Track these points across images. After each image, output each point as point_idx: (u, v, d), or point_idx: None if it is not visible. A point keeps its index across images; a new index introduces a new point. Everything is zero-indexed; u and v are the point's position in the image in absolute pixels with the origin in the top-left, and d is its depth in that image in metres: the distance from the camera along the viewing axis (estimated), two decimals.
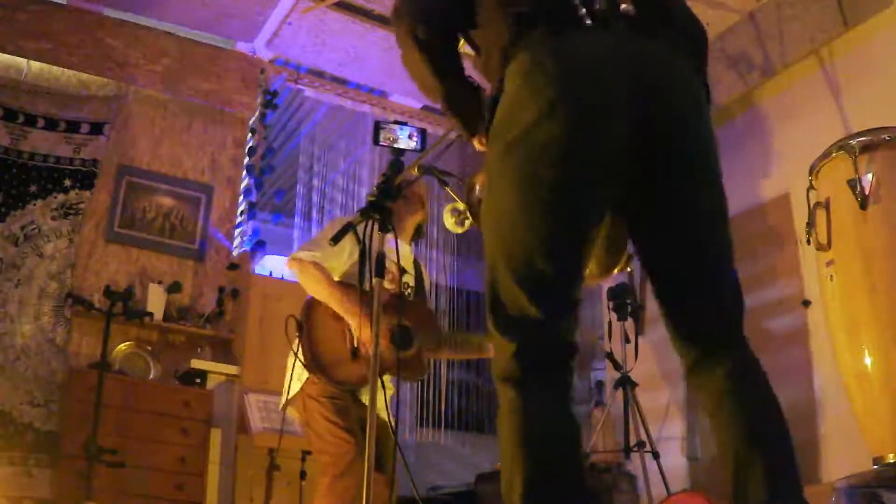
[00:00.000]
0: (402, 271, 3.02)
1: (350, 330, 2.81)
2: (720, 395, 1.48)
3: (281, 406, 2.97)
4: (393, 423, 2.87)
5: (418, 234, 3.24)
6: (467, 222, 2.21)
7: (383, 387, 2.58)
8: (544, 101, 1.45)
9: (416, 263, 3.16)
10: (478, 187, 1.99)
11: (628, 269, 1.94)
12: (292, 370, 2.83)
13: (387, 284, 2.83)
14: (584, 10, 1.51)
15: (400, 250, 3.00)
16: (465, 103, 1.69)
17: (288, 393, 2.89)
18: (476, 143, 1.75)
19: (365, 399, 2.78)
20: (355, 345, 2.77)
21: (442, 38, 1.68)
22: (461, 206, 2.22)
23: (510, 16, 1.55)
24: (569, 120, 1.44)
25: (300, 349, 2.78)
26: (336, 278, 2.90)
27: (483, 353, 3.08)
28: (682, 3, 1.71)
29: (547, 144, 1.44)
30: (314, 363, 2.76)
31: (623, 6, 1.53)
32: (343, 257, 2.91)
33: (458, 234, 6.37)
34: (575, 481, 1.40)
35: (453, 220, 2.28)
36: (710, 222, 1.57)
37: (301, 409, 2.84)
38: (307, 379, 2.81)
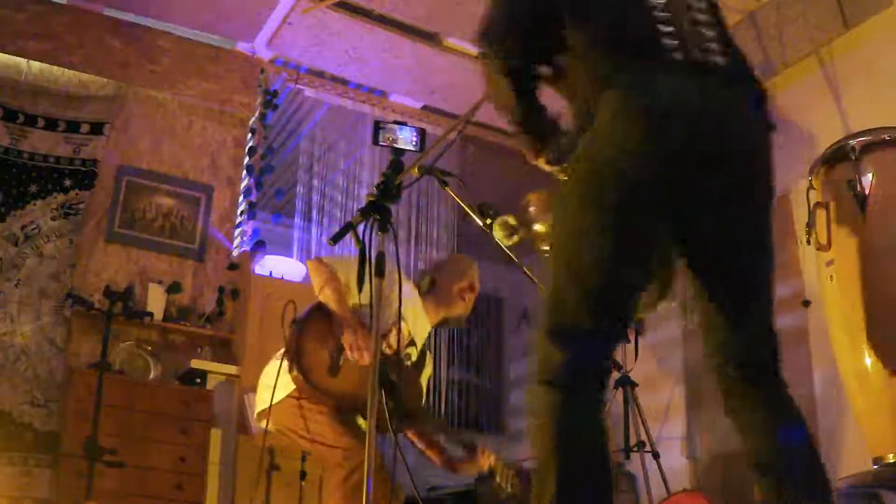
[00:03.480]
0: (410, 343, 3.00)
1: (336, 348, 2.74)
2: (759, 420, 1.66)
3: (258, 412, 2.87)
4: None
5: (444, 323, 3.20)
6: (516, 236, 2.29)
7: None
8: (633, 138, 1.57)
9: (423, 351, 3.11)
10: (532, 207, 2.14)
11: (673, 304, 2.07)
12: (277, 376, 2.73)
13: (387, 345, 2.81)
14: (680, 56, 1.62)
15: (419, 326, 2.97)
16: (536, 124, 1.84)
17: (270, 400, 2.77)
18: (540, 163, 1.89)
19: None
20: (339, 361, 2.72)
21: (522, 62, 1.78)
22: (513, 220, 2.29)
23: (609, 50, 1.66)
24: (653, 160, 1.56)
25: (289, 351, 2.74)
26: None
27: (450, 459, 3.04)
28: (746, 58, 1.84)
29: (628, 178, 1.56)
30: (296, 361, 2.69)
31: (716, 58, 1.65)
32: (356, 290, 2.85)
33: (458, 235, 6.37)
34: (604, 492, 1.50)
35: (503, 233, 2.33)
36: (754, 264, 1.72)
37: (290, 415, 2.75)
38: (295, 387, 2.74)
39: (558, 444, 1.48)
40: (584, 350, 1.54)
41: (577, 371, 1.52)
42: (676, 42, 1.63)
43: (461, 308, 3.14)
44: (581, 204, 1.62)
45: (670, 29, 1.64)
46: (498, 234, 2.34)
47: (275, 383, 2.76)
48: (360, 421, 2.77)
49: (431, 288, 3.14)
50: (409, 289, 3.07)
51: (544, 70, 1.82)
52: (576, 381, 1.52)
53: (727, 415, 1.71)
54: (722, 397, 1.71)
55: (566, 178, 1.73)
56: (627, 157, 1.56)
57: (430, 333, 3.16)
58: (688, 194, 1.61)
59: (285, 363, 2.74)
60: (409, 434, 3.07)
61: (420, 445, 3.09)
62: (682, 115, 1.58)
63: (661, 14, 1.65)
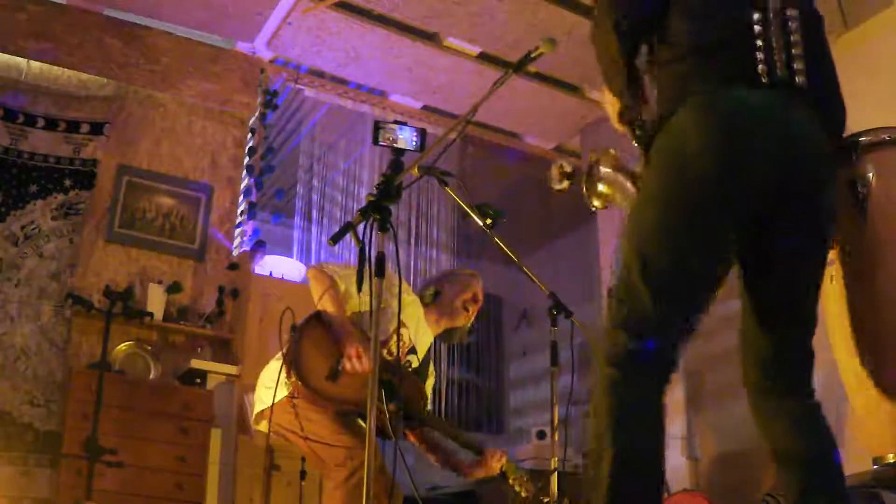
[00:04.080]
0: (411, 351, 3.01)
1: (335, 356, 2.72)
2: (791, 428, 1.74)
3: (256, 412, 2.88)
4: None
5: (447, 335, 3.22)
6: (567, 182, 2.34)
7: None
8: (710, 140, 1.64)
9: (425, 361, 3.13)
10: (602, 167, 2.16)
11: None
12: (278, 376, 2.74)
13: (387, 352, 2.82)
14: (766, 72, 1.67)
15: (421, 334, 2.98)
16: (633, 96, 1.87)
17: (269, 399, 2.79)
18: (620, 118, 1.95)
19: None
20: (339, 367, 2.71)
21: (637, 35, 1.83)
22: (568, 166, 2.31)
23: (700, 55, 1.71)
24: (726, 164, 1.63)
25: (287, 361, 2.74)
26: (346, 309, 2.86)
27: (458, 462, 3.05)
28: (836, 79, 1.88)
29: (702, 177, 1.63)
30: (295, 367, 2.69)
31: (799, 79, 1.70)
32: (360, 297, 2.85)
33: (458, 235, 6.38)
34: (658, 474, 1.58)
35: (556, 176, 2.36)
36: (808, 287, 1.81)
37: (287, 414, 2.75)
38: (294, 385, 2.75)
39: (617, 424, 1.55)
40: (651, 339, 1.60)
41: (642, 358, 1.59)
42: (765, 58, 1.68)
43: (464, 319, 3.16)
44: (653, 197, 1.70)
45: (761, 44, 1.69)
46: (553, 176, 2.37)
47: (276, 384, 2.76)
48: (361, 422, 2.78)
49: (435, 299, 3.15)
50: (412, 299, 3.08)
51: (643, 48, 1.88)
52: (641, 367, 1.59)
53: (760, 429, 1.77)
54: (753, 409, 1.78)
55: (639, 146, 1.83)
56: (700, 165, 1.63)
57: (431, 345, 3.17)
58: (756, 208, 1.67)
59: (285, 368, 2.74)
60: (412, 437, 3.06)
61: (423, 448, 3.09)
62: (758, 133, 1.64)
63: (756, 28, 1.70)
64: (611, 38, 1.81)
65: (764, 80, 1.67)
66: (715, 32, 1.72)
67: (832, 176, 1.79)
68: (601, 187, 2.19)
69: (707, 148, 1.63)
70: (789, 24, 1.73)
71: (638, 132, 1.91)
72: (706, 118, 1.65)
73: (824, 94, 1.78)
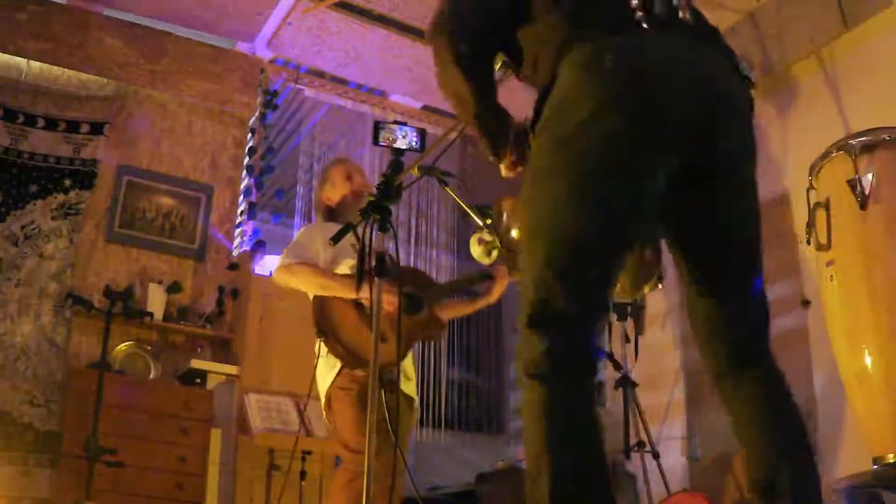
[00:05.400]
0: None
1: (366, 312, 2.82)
2: (750, 404, 1.55)
3: (324, 406, 2.97)
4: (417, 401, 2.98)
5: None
6: (495, 252, 2.23)
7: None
8: (606, 93, 1.44)
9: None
10: (505, 214, 2.07)
11: (659, 287, 1.98)
12: (317, 366, 2.86)
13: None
14: (640, 14, 1.51)
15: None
16: (497, 123, 1.70)
17: (320, 389, 2.92)
18: (502, 168, 1.78)
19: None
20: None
21: (482, 55, 1.66)
22: (488, 236, 2.22)
23: (569, 13, 1.54)
24: (630, 114, 1.43)
25: (334, 348, 2.80)
26: None
27: (487, 294, 3.18)
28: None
29: (607, 138, 1.43)
30: (353, 358, 2.76)
31: (682, 14, 1.56)
32: (321, 257, 2.93)
33: (458, 235, 6.37)
34: (601, 485, 1.40)
35: (481, 249, 2.28)
36: (747, 229, 1.61)
37: (329, 402, 2.87)
38: (338, 373, 2.83)
39: (550, 440, 1.38)
40: (565, 336, 1.43)
41: (560, 360, 1.41)
42: (641, 2, 1.52)
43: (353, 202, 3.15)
44: (547, 176, 1.49)
45: None
46: (476, 251, 2.29)
47: (315, 369, 2.90)
48: (407, 387, 2.91)
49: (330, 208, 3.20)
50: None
51: (503, 56, 1.72)
52: (561, 370, 1.41)
53: (722, 403, 1.61)
54: (714, 385, 1.62)
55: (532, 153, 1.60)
56: (591, 123, 1.43)
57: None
58: (667, 160, 1.48)
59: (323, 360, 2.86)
60: (453, 309, 3.19)
61: (461, 313, 3.25)
62: (649, 73, 1.46)
63: None
64: (449, 65, 1.62)
65: (645, 25, 1.49)
66: None
67: (745, 108, 1.61)
68: (514, 233, 2.11)
69: (605, 106, 1.43)
70: None
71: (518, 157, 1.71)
72: (594, 71, 1.45)
73: (711, 32, 1.63)
